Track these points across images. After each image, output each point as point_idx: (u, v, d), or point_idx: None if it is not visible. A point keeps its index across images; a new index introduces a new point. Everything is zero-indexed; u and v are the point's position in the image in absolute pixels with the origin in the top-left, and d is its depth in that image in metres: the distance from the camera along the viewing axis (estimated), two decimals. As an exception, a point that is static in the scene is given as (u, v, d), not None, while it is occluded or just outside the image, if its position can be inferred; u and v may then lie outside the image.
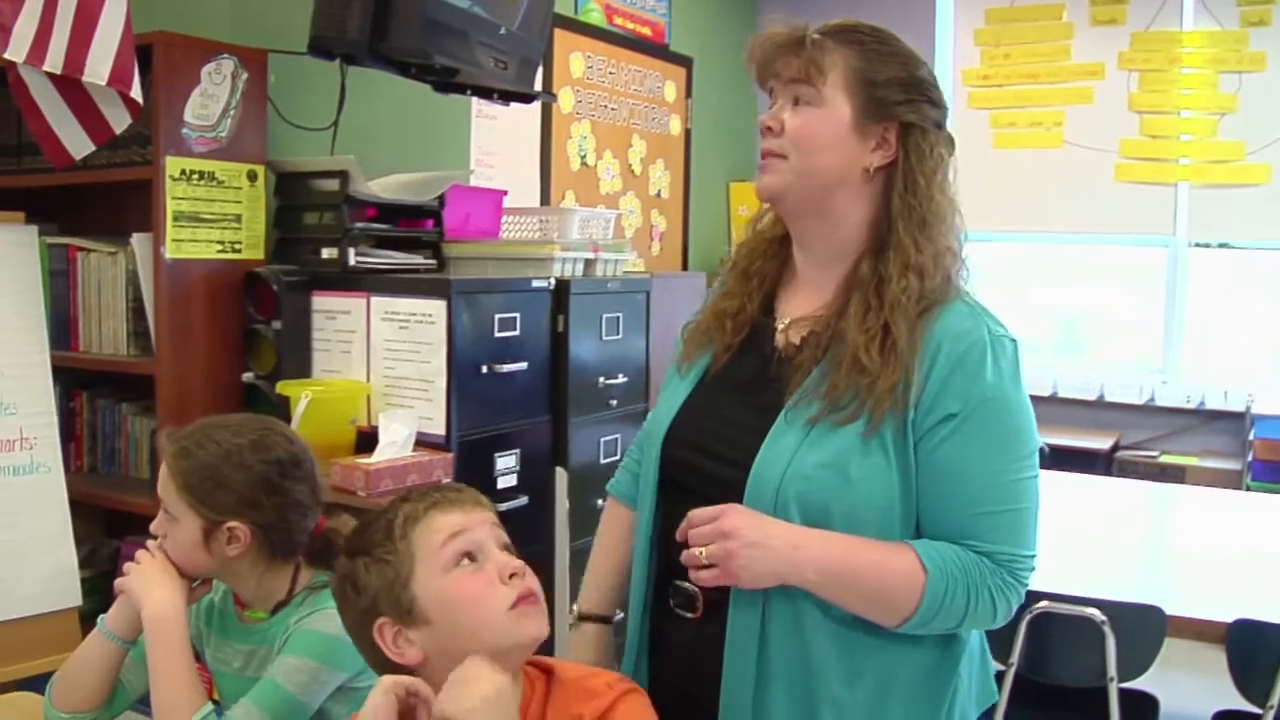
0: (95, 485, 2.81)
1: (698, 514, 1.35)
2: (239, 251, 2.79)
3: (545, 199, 4.37)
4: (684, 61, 5.29)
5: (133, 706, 1.67)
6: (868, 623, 1.34)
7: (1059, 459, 4.66)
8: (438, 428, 2.62)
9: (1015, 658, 2.36)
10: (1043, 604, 2.31)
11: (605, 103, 4.74)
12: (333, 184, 2.82)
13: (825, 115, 1.38)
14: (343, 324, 2.78)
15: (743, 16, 5.65)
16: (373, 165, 2.99)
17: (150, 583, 1.54)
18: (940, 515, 1.34)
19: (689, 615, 1.45)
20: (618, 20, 4.79)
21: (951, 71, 5.74)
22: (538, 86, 3.17)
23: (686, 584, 1.41)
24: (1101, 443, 5.21)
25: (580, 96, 4.58)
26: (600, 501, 1.77)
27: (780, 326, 1.48)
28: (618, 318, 3.11)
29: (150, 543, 1.59)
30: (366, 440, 2.63)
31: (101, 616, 1.60)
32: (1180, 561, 3.12)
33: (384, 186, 2.91)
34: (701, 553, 1.33)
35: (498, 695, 1.20)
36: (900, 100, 1.39)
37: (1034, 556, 1.36)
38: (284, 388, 2.65)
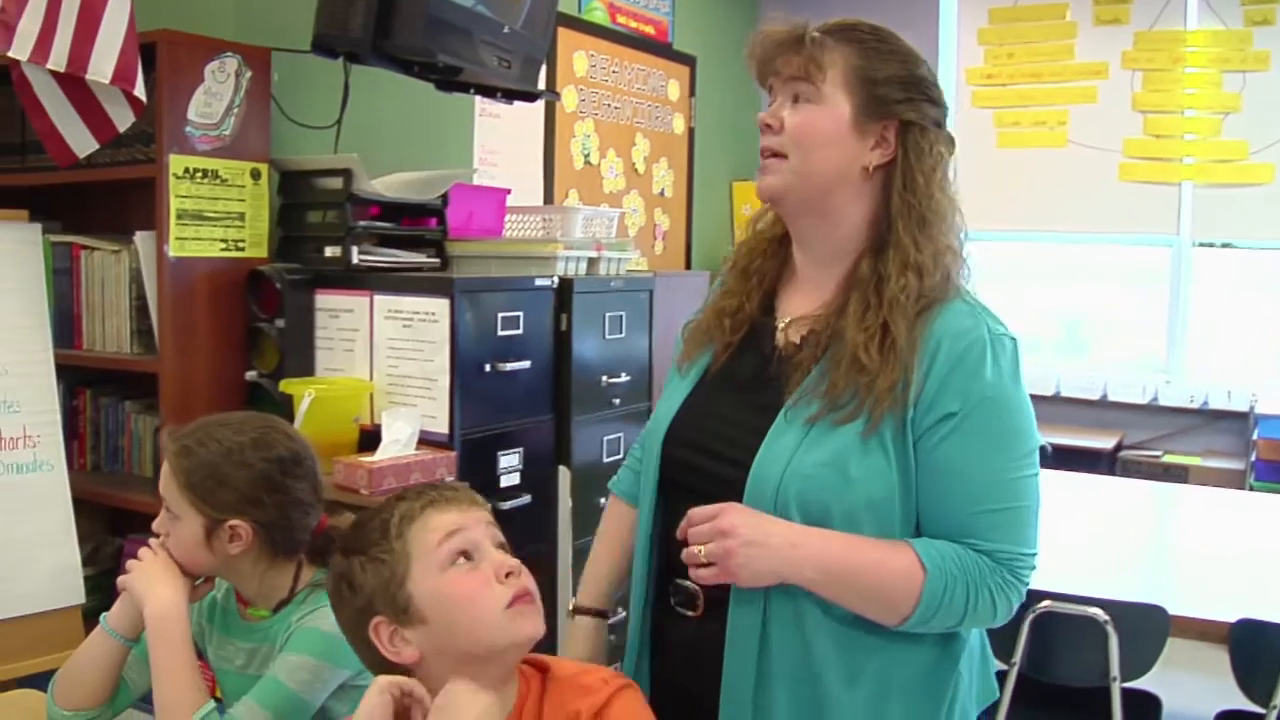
0: (98, 483, 2.81)
1: (697, 512, 1.35)
2: (242, 250, 2.79)
3: (549, 198, 4.37)
4: (687, 60, 5.29)
5: (135, 704, 1.67)
6: (868, 622, 1.34)
7: (1062, 459, 4.66)
8: (441, 426, 2.62)
9: (1018, 657, 2.36)
10: (1045, 603, 2.31)
11: (609, 101, 4.74)
12: (336, 182, 2.82)
13: (824, 113, 1.38)
14: (346, 322, 2.78)
15: (746, 15, 5.64)
16: (376, 164, 3.00)
17: (152, 581, 1.54)
18: (940, 514, 1.34)
19: (690, 613, 1.45)
20: (621, 19, 4.79)
21: (955, 71, 5.74)
22: (541, 85, 3.17)
23: (687, 582, 1.42)
24: (1105, 442, 5.21)
25: (584, 95, 4.58)
26: (602, 500, 1.77)
27: (780, 325, 1.48)
28: (621, 316, 3.11)
29: (153, 540, 1.59)
30: (369, 439, 2.63)
31: (104, 614, 1.60)
32: (1183, 561, 3.12)
33: (387, 185, 2.91)
34: (701, 551, 1.33)
35: (486, 716, 1.20)
36: (900, 99, 1.39)
37: (1035, 555, 1.36)
38: (287, 386, 2.65)
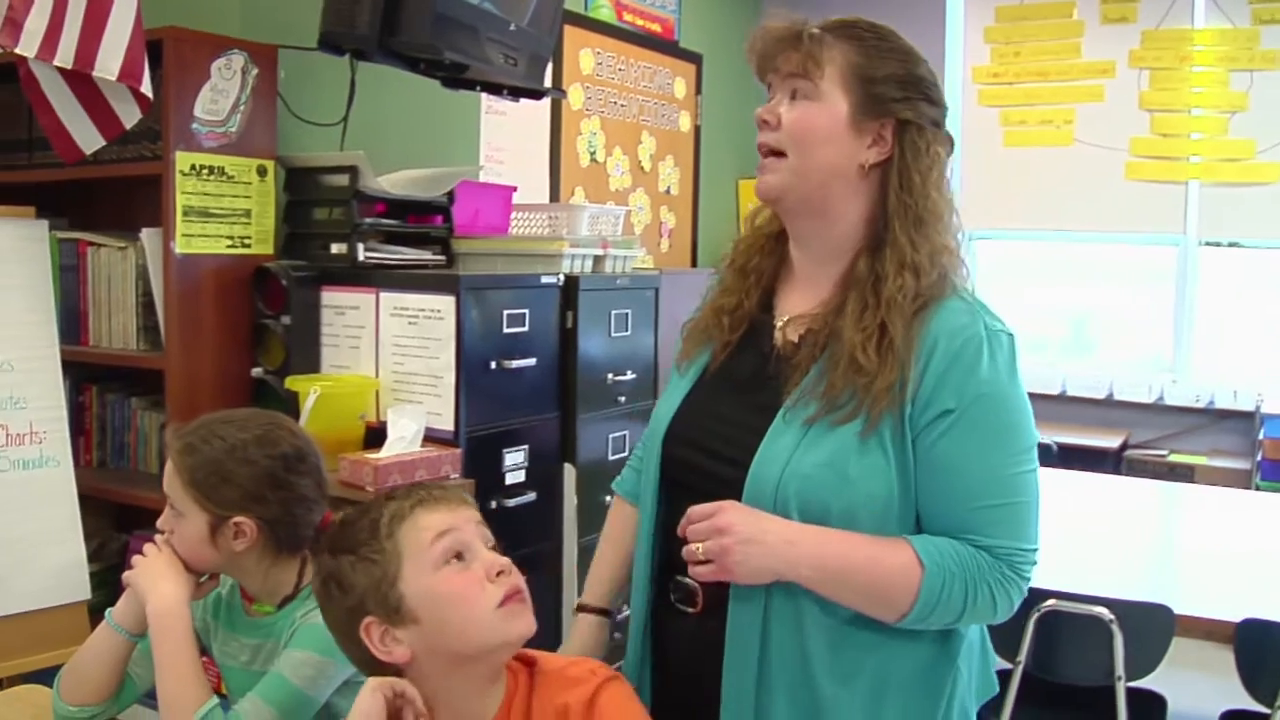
0: (104, 479, 2.82)
1: (696, 510, 1.36)
2: (248, 246, 2.79)
3: (554, 195, 4.37)
4: (693, 58, 5.29)
5: (140, 700, 1.67)
6: (866, 619, 1.34)
7: (1067, 458, 4.65)
8: (446, 423, 2.62)
9: (1023, 656, 2.35)
10: (1050, 602, 2.31)
11: (615, 99, 4.74)
12: (342, 179, 2.82)
13: (822, 109, 1.39)
14: (352, 319, 2.79)
15: (753, 12, 5.63)
16: (382, 161, 3.00)
17: (156, 577, 1.54)
18: (939, 511, 1.34)
19: (690, 610, 1.45)
20: (627, 17, 4.79)
21: (962, 69, 5.73)
22: (547, 83, 3.17)
23: (687, 579, 1.42)
24: (1110, 441, 5.20)
25: (590, 93, 4.58)
26: (607, 498, 1.77)
27: (779, 324, 1.48)
28: (626, 314, 3.11)
29: (157, 537, 1.59)
30: (375, 436, 2.64)
31: (109, 610, 1.60)
32: (1189, 561, 3.12)
33: (393, 182, 2.91)
34: (699, 549, 1.33)
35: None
36: (897, 97, 1.39)
37: (1035, 550, 1.36)
38: (293, 383, 2.65)
